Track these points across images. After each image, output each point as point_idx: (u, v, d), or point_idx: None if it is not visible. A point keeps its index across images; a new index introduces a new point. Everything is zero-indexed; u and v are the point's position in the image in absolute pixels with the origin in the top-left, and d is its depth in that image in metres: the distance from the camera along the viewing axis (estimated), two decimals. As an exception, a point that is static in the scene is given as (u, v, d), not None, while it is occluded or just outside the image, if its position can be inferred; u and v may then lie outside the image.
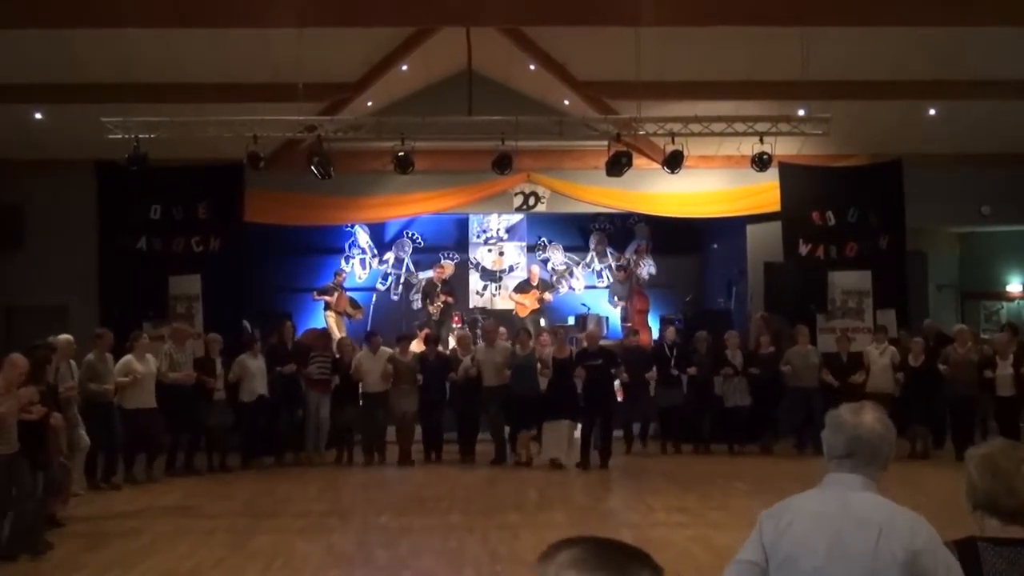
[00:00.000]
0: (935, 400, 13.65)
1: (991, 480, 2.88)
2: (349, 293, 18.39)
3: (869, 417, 2.99)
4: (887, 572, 2.72)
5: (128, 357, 12.43)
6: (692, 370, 14.36)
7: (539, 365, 13.63)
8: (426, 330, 16.43)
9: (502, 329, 15.00)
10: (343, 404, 13.88)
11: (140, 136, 12.88)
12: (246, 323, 14.90)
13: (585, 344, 13.99)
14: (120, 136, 12.87)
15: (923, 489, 10.27)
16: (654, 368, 14.40)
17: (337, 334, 16.39)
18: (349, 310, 17.87)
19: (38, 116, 14.60)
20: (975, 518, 2.96)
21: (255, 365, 13.45)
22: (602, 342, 14.52)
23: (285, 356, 13.93)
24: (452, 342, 15.45)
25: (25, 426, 8.84)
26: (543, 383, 13.63)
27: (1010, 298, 18.32)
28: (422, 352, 14.36)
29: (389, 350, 14.14)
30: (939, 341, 14.55)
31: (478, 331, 16.73)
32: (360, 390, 13.98)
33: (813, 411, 13.50)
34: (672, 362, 14.46)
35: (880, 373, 13.82)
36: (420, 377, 13.77)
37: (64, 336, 11.52)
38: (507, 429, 13.78)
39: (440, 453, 13.94)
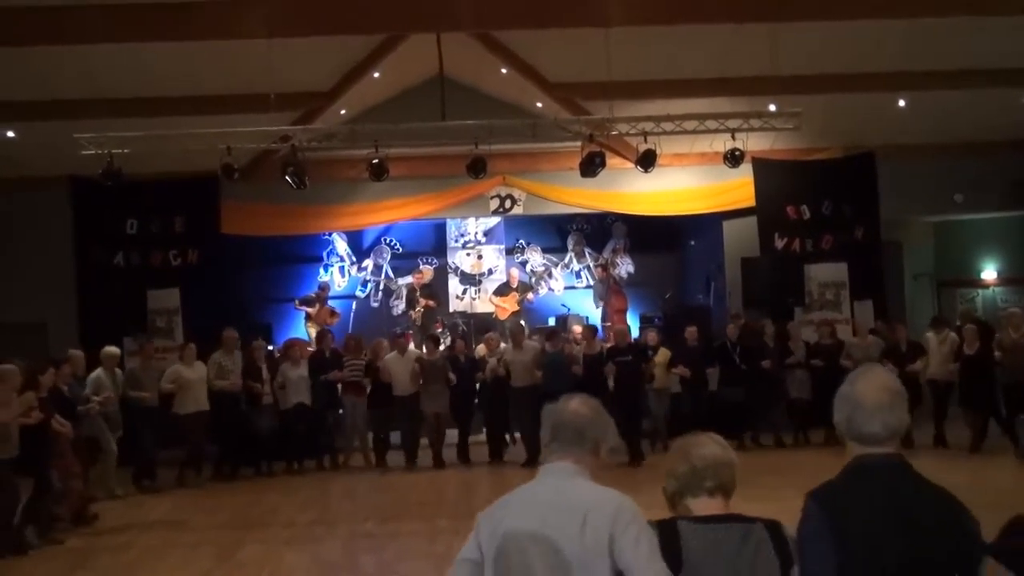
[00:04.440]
0: (991, 388, 13.15)
1: (682, 463, 3.10)
2: (329, 303, 18.39)
3: (574, 403, 3.19)
4: (594, 554, 2.85)
5: (177, 365, 13.27)
6: (767, 363, 14.22)
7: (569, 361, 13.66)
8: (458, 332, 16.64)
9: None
10: (378, 407, 13.99)
11: (114, 151, 12.82)
12: (226, 334, 14.88)
13: (614, 341, 14.16)
14: (94, 152, 12.82)
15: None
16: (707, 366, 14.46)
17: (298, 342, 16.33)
18: (329, 320, 17.88)
19: (10, 134, 14.52)
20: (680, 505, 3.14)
21: (296, 374, 13.77)
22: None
23: (324, 364, 14.14)
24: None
25: (26, 431, 9.37)
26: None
27: (985, 285, 18.47)
28: (450, 352, 14.40)
29: (417, 351, 14.36)
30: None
31: (460, 334, 16.80)
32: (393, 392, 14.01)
33: None
34: (737, 359, 14.39)
35: (940, 361, 13.57)
36: (453, 376, 13.74)
37: (109, 348, 12.65)
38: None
39: (469, 454, 13.99)
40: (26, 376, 9.65)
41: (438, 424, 13.79)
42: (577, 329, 16.07)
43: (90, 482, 11.46)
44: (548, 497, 3.00)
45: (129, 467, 12.73)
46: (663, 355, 14.24)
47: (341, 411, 14.28)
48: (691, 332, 14.70)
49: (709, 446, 3.13)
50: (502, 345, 14.54)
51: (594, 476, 3.11)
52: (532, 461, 13.42)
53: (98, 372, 12.21)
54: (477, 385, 14.18)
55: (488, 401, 14.09)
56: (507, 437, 14.44)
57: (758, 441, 14.33)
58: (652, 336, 14.66)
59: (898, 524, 2.84)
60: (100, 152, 12.83)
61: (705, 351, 14.62)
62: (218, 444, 13.51)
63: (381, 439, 14.07)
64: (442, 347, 14.69)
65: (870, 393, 3.00)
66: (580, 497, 2.96)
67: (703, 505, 3.05)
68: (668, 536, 2.93)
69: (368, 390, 14.13)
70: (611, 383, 13.34)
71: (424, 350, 14.17)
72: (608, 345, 14.42)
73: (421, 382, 13.76)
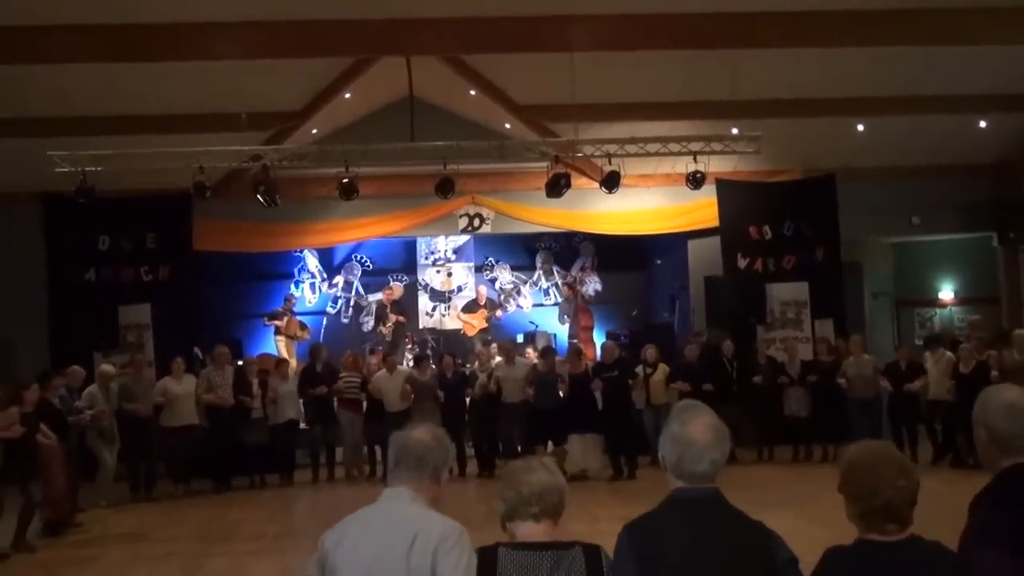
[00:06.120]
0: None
1: (509, 489, 3.30)
2: (299, 317, 18.54)
3: (419, 431, 3.43)
4: (420, 573, 3.11)
5: (166, 379, 13.61)
6: (758, 379, 14.36)
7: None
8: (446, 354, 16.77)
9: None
10: (372, 422, 14.17)
11: (86, 169, 12.98)
12: (197, 350, 15.02)
13: (602, 357, 14.36)
14: (67, 169, 12.96)
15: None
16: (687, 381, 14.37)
17: (287, 359, 16.53)
18: (298, 333, 18.03)
19: (-17, 151, 14.60)
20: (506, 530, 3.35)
21: (284, 389, 14.02)
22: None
23: (315, 379, 14.37)
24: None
25: (12, 444, 9.97)
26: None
27: (942, 305, 18.79)
28: (439, 370, 14.56)
29: (406, 369, 14.63)
30: (954, 347, 14.19)
31: (428, 351, 16.99)
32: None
33: (870, 421, 13.72)
34: (734, 375, 14.58)
35: (937, 381, 13.64)
36: (441, 394, 13.93)
37: (105, 366, 13.23)
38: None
39: (464, 469, 13.95)
40: (11, 393, 10.16)
41: None
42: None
43: (90, 493, 12.10)
44: (383, 520, 3.26)
45: (130, 479, 13.10)
46: (662, 371, 14.42)
47: (337, 425, 14.44)
48: (691, 349, 14.94)
49: (537, 472, 3.30)
50: (494, 361, 14.73)
51: (434, 503, 3.34)
52: None
53: (93, 388, 12.62)
54: (467, 401, 14.31)
55: (478, 417, 14.18)
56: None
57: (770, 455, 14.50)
58: (651, 352, 14.66)
59: (702, 558, 3.00)
60: (73, 169, 12.97)
61: (707, 368, 14.65)
62: (211, 457, 13.65)
63: (374, 453, 14.27)
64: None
65: (699, 433, 3.13)
66: (411, 522, 3.21)
67: (527, 530, 3.24)
68: (486, 562, 3.16)
69: (364, 406, 14.36)
70: (599, 399, 13.56)
71: (416, 368, 14.42)
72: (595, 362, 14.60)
73: (412, 399, 13.94)
